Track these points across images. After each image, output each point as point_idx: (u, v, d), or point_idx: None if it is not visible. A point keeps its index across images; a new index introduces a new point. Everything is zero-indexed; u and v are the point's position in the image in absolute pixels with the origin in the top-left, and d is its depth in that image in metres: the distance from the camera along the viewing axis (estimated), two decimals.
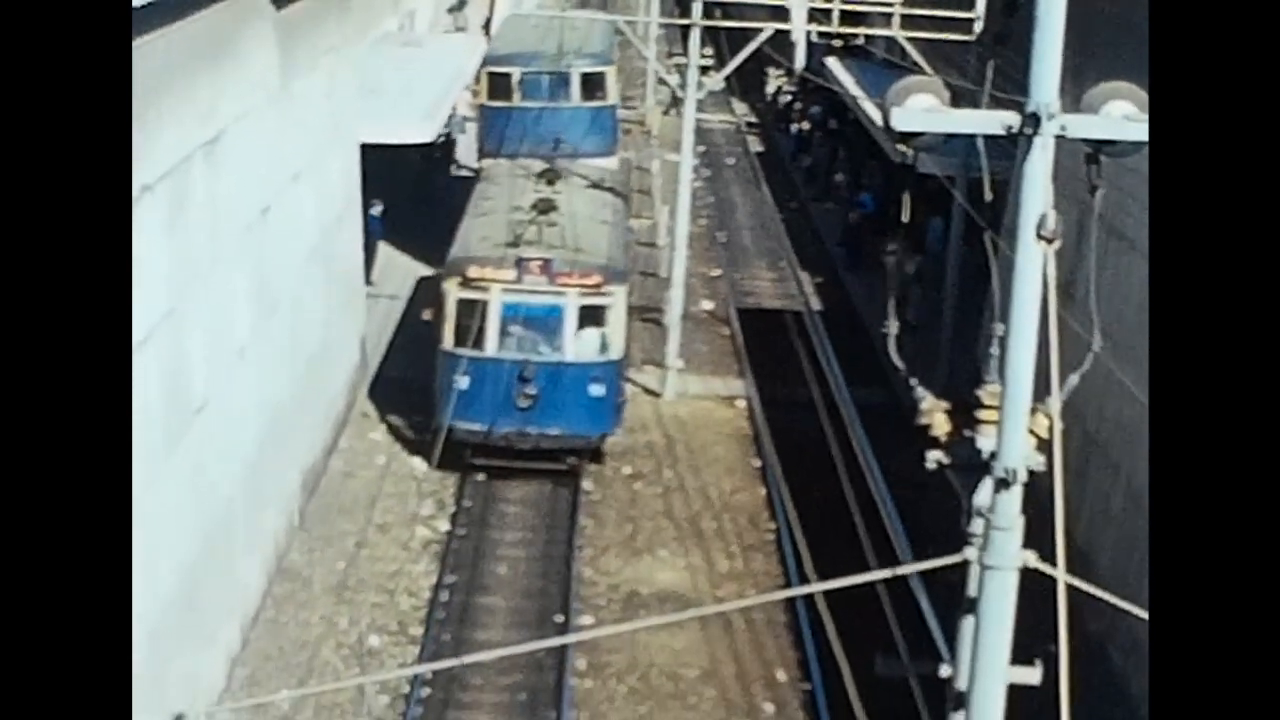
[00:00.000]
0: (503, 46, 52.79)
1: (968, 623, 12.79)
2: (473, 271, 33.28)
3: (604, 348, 33.79)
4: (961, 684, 13.00)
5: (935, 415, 12.92)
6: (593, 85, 50.08)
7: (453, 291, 33.47)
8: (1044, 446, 12.10)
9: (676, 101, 44.72)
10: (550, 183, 37.32)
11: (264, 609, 28.35)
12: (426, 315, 34.74)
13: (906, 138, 11.96)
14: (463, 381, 32.52)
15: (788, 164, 66.20)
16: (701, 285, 47.93)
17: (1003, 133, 11.41)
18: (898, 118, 11.75)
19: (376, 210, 43.68)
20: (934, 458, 12.92)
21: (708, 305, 46.73)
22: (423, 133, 41.93)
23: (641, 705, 26.48)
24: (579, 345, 33.57)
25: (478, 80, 51.03)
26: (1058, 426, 11.70)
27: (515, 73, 49.57)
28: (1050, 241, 10.98)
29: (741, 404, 39.32)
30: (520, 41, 51.96)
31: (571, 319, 33.39)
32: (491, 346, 33.20)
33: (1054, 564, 11.43)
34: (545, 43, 49.29)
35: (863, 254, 48.98)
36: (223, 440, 25.54)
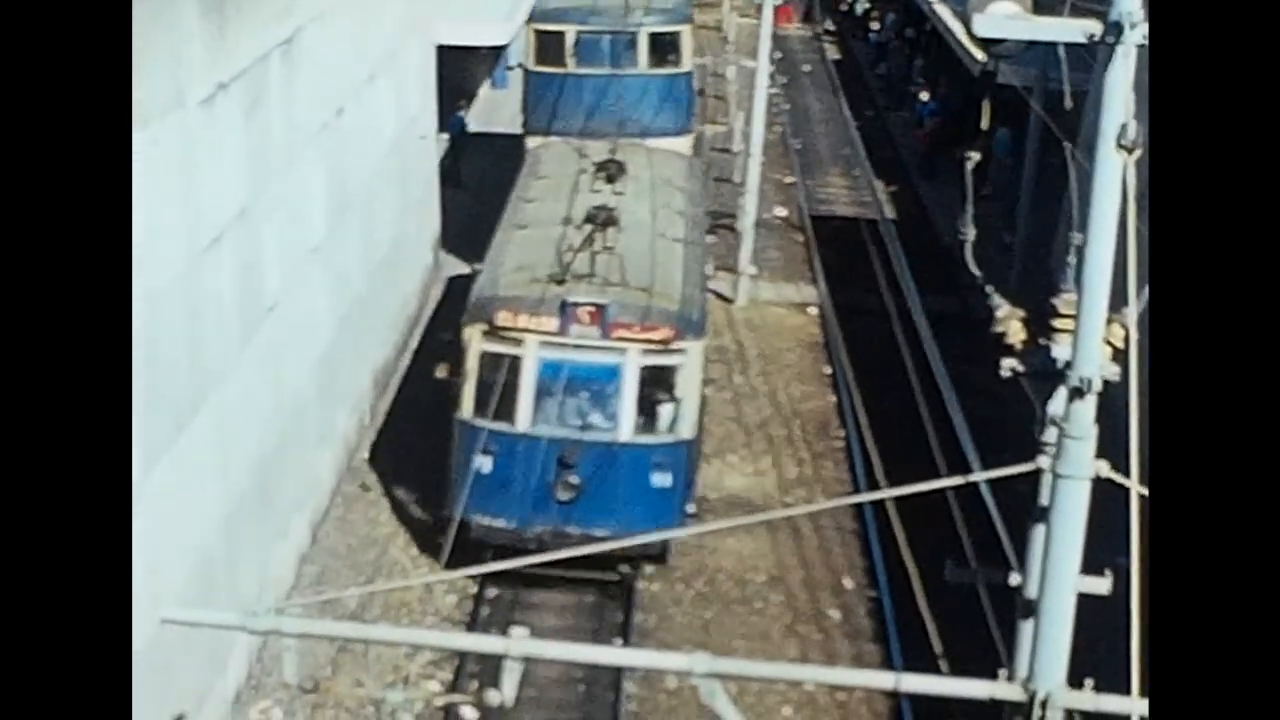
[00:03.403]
0: None
1: (1038, 531, 12.82)
2: (502, 318, 25.41)
3: (672, 424, 25.84)
4: (1031, 592, 13.05)
5: (1011, 323, 12.93)
6: (664, 48, 40.71)
7: (476, 342, 25.66)
8: (1118, 357, 12.08)
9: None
10: (611, 179, 29.40)
11: (334, 507, 28.58)
12: (440, 371, 26.80)
13: (987, 44, 11.93)
14: (485, 463, 25.27)
15: (864, 72, 65.88)
16: (775, 191, 47.66)
17: (1085, 40, 11.34)
18: (980, 23, 11.71)
19: (462, 112, 43.58)
20: (1008, 365, 12.94)
21: (781, 212, 46.54)
22: (501, 34, 41.50)
23: (708, 609, 26.58)
24: (639, 420, 25.65)
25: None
26: (1134, 337, 11.68)
27: (569, 32, 40.21)
28: (1131, 151, 10.91)
29: (814, 310, 39.25)
30: None
31: (631, 385, 25.45)
32: (524, 419, 25.31)
33: (1126, 474, 11.43)
34: None
35: (936, 162, 48.69)
36: (295, 337, 25.71)
